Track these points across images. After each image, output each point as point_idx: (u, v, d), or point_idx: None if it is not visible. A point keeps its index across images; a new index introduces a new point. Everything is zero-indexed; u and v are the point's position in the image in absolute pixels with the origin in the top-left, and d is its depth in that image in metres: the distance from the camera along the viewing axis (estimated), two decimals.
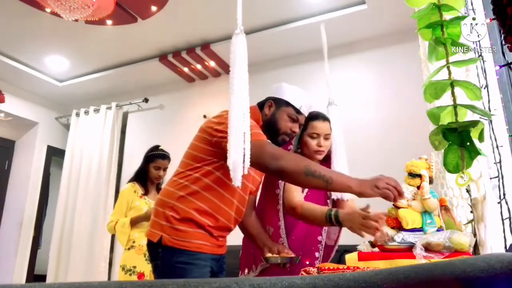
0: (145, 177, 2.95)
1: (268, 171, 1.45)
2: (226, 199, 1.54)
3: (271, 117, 1.66)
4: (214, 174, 1.52)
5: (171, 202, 1.52)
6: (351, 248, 2.41)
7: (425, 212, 1.91)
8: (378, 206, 2.97)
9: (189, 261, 1.47)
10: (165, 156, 2.95)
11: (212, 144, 1.52)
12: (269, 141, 1.47)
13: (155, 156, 2.92)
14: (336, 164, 1.84)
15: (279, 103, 1.67)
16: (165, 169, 2.93)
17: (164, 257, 1.48)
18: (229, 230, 1.62)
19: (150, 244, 1.55)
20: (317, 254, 2.00)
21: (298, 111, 1.67)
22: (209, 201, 1.51)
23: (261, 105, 1.71)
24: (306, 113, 1.72)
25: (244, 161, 1.19)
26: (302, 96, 1.70)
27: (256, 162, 1.38)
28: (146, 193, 2.95)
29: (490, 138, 1.68)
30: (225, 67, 4.58)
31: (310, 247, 1.99)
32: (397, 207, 1.98)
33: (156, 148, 3.01)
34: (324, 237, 2.02)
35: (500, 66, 1.91)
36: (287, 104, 1.66)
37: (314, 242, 2.00)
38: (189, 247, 1.47)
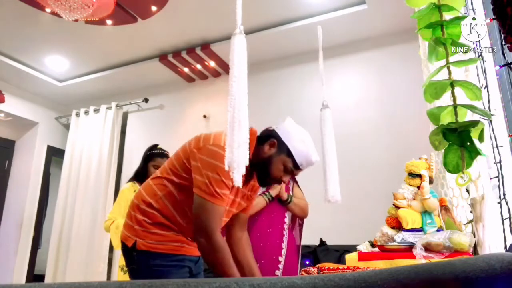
0: (144, 177, 2.94)
1: (193, 236, 1.42)
2: (190, 221, 1.48)
3: (268, 158, 1.50)
4: (185, 195, 1.47)
5: (141, 207, 1.50)
6: (351, 248, 2.42)
7: (425, 212, 1.91)
8: (378, 205, 2.97)
9: (165, 263, 1.46)
10: (164, 155, 2.94)
11: (189, 172, 1.47)
12: (215, 206, 1.39)
13: (154, 155, 2.91)
14: (328, 169, 1.78)
15: (282, 148, 1.50)
16: None
17: (140, 260, 1.46)
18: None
19: (124, 249, 1.52)
20: (280, 259, 2.07)
21: (296, 166, 1.52)
22: (172, 217, 1.49)
23: (263, 138, 1.54)
24: (305, 169, 1.58)
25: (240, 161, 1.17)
26: (308, 152, 1.52)
27: (193, 220, 1.39)
28: None
29: (490, 138, 1.69)
30: (225, 67, 4.58)
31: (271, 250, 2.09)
32: (397, 207, 1.99)
33: (154, 147, 3.00)
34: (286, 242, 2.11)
35: (500, 66, 1.91)
36: (289, 154, 1.50)
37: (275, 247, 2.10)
38: (164, 250, 1.46)
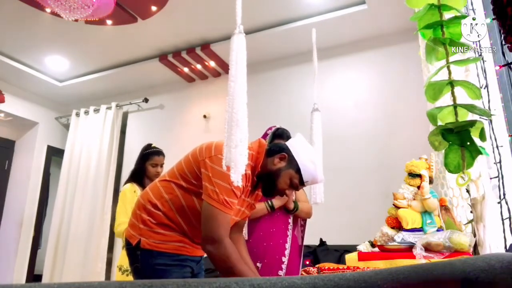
0: (142, 177, 2.93)
1: (201, 244, 1.44)
2: (194, 226, 1.52)
3: (276, 171, 1.52)
4: (192, 200, 1.50)
5: (147, 207, 1.53)
6: (351, 248, 2.42)
7: (425, 212, 1.91)
8: (378, 205, 2.97)
9: (168, 262, 1.48)
10: (160, 153, 2.94)
11: (199, 178, 1.49)
12: (224, 214, 1.41)
13: (151, 154, 2.91)
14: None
15: (292, 164, 1.53)
16: (162, 166, 2.93)
17: (144, 259, 1.48)
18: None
19: (128, 248, 1.54)
20: (283, 259, 2.07)
21: (302, 183, 1.56)
22: (176, 220, 1.51)
23: (273, 150, 1.56)
24: (309, 185, 1.64)
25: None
26: (316, 172, 1.55)
27: (202, 228, 1.40)
28: None
29: (490, 138, 1.69)
30: (225, 67, 4.58)
31: (274, 251, 2.08)
32: (397, 207, 1.99)
33: (149, 146, 3.00)
34: (289, 242, 2.11)
35: (500, 66, 1.91)
36: (298, 170, 1.53)
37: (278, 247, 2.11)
38: (167, 249, 1.48)
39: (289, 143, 1.60)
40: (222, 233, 1.39)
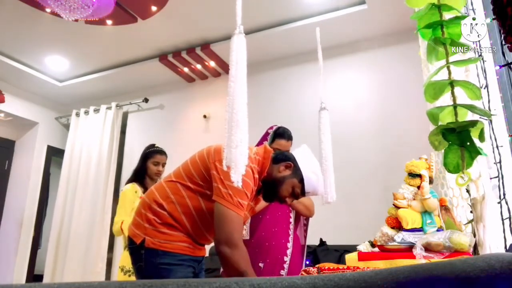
0: (143, 176, 2.94)
1: (216, 246, 1.43)
2: (198, 227, 1.54)
3: (280, 179, 1.56)
4: (199, 201, 1.51)
5: (153, 206, 1.54)
6: (351, 248, 2.42)
7: (425, 212, 1.91)
8: (378, 205, 2.97)
9: (172, 262, 1.49)
10: (163, 152, 2.96)
11: (206, 180, 1.50)
12: (239, 216, 1.42)
13: (154, 152, 2.92)
14: (326, 172, 1.82)
15: (296, 173, 1.58)
16: (163, 165, 2.93)
17: (148, 258, 1.49)
18: (204, 244, 1.64)
19: (132, 247, 1.55)
20: (285, 258, 2.06)
21: (303, 193, 1.60)
22: (181, 221, 1.52)
23: (279, 158, 1.60)
24: (309, 196, 1.68)
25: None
26: (317, 184, 1.59)
27: (216, 230, 1.40)
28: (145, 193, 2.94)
29: (490, 138, 1.68)
30: (225, 67, 4.59)
31: (276, 251, 2.07)
32: (397, 207, 1.99)
33: (152, 145, 3.02)
34: (291, 248, 2.12)
35: (500, 66, 1.91)
36: (301, 180, 1.58)
37: (279, 246, 2.12)
38: (172, 249, 1.49)
39: (295, 153, 1.63)
40: (237, 236, 1.41)
